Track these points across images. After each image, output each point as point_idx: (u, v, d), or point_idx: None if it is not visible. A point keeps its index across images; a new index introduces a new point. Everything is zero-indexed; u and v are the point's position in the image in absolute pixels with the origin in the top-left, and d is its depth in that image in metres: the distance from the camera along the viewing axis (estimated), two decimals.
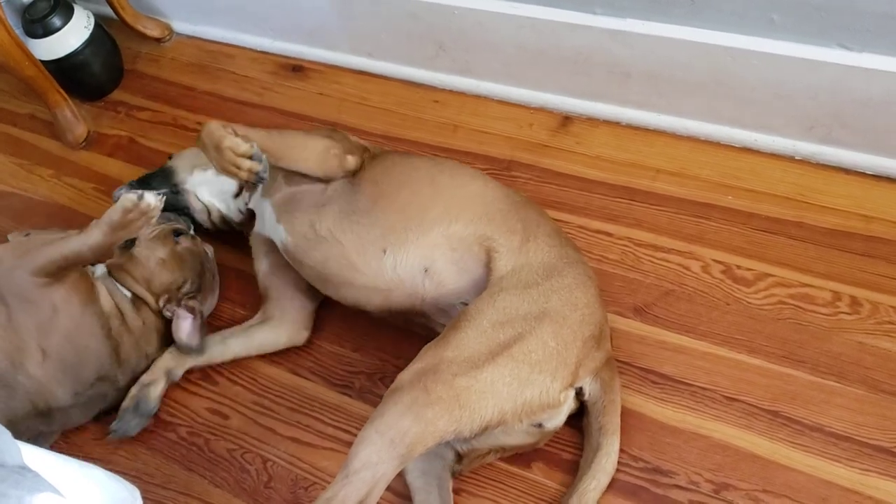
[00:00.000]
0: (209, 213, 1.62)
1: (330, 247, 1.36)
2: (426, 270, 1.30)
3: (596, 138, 1.66)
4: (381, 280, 1.32)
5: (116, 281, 1.50)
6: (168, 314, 1.50)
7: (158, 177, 1.62)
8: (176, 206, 1.60)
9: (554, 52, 1.60)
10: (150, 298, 1.50)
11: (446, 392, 1.10)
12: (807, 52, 1.35)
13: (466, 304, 1.26)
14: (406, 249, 1.30)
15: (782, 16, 1.33)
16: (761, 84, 1.43)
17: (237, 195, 1.59)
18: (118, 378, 1.46)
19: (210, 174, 1.58)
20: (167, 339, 1.52)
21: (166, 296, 1.51)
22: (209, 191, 1.60)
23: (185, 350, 1.49)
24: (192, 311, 1.51)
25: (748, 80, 1.44)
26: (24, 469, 0.75)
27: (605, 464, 1.24)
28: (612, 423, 1.25)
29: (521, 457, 1.32)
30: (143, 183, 1.60)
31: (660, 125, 1.62)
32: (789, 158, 1.52)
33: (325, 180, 1.40)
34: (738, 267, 1.43)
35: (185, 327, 1.49)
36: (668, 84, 1.53)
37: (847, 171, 1.48)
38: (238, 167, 1.32)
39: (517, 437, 1.25)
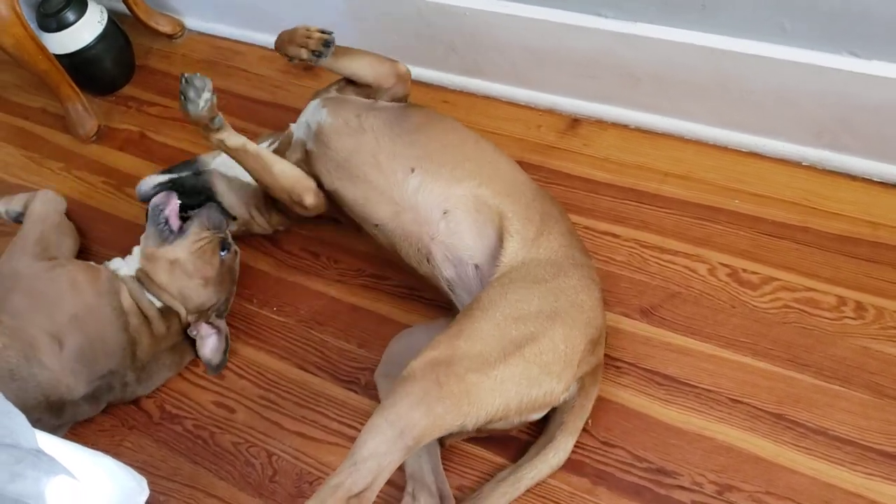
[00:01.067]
0: (234, 191, 1.61)
1: (366, 139, 1.39)
2: (445, 213, 1.32)
3: (604, 140, 1.67)
4: (397, 193, 1.34)
5: (147, 289, 1.49)
6: (193, 333, 1.52)
7: (181, 166, 1.63)
8: (199, 188, 1.60)
9: (563, 54, 1.61)
10: (182, 312, 1.50)
11: (458, 387, 1.11)
12: (816, 58, 1.36)
13: (478, 268, 1.29)
14: (434, 181, 1.33)
15: (793, 22, 1.34)
16: (770, 89, 1.44)
17: None
18: (127, 374, 1.47)
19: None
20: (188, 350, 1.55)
21: (196, 314, 1.51)
22: (230, 167, 1.58)
23: (209, 369, 1.52)
24: (217, 329, 1.53)
25: (757, 85, 1.45)
26: (39, 452, 0.76)
27: (551, 457, 1.26)
28: (575, 424, 1.27)
29: None
30: (166, 171, 1.63)
31: (667, 129, 1.63)
32: (796, 164, 1.53)
33: (374, 92, 1.50)
34: (744, 270, 1.44)
35: (209, 344, 1.52)
36: (676, 88, 1.54)
37: (854, 177, 1.49)
38: (308, 37, 1.47)
39: (499, 424, 1.26)
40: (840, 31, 1.32)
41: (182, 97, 1.34)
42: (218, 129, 1.39)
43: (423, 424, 1.09)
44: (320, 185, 1.46)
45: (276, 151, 1.52)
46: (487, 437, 1.33)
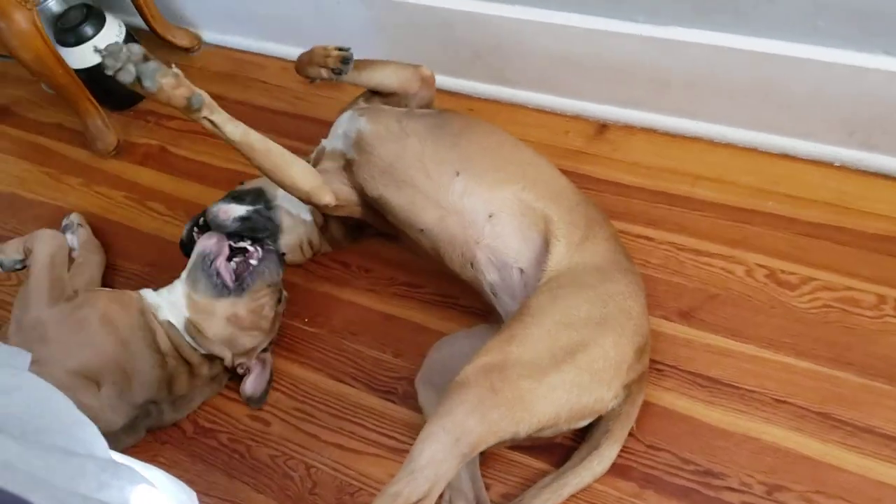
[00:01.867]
0: (299, 235, 1.59)
1: (410, 144, 1.38)
2: (490, 216, 1.31)
3: (633, 145, 1.67)
4: (442, 198, 1.33)
5: (193, 338, 1.44)
6: (241, 371, 1.48)
7: (251, 194, 1.56)
8: (266, 226, 1.54)
9: (592, 60, 1.62)
10: (228, 357, 1.45)
11: (512, 393, 1.11)
12: (850, 58, 1.36)
13: (523, 272, 1.28)
14: (478, 185, 1.32)
15: (827, 22, 1.34)
16: (803, 90, 1.45)
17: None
18: (164, 405, 1.46)
19: None
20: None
21: (244, 357, 1.48)
22: (296, 204, 1.54)
23: (251, 402, 1.50)
24: (262, 363, 1.50)
25: (789, 86, 1.45)
26: (116, 462, 0.75)
27: (595, 465, 1.24)
28: (621, 431, 1.26)
29: None
30: (237, 198, 1.55)
31: (698, 132, 1.63)
32: (829, 164, 1.53)
33: (401, 99, 1.50)
34: (782, 271, 1.43)
35: (251, 379, 1.49)
36: (707, 91, 1.54)
37: (888, 176, 1.49)
38: (327, 56, 1.48)
39: (545, 432, 1.24)
40: (874, 30, 1.32)
41: (120, 75, 1.21)
42: (199, 109, 1.27)
43: (478, 431, 1.08)
44: (363, 193, 1.44)
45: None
46: (530, 445, 1.32)
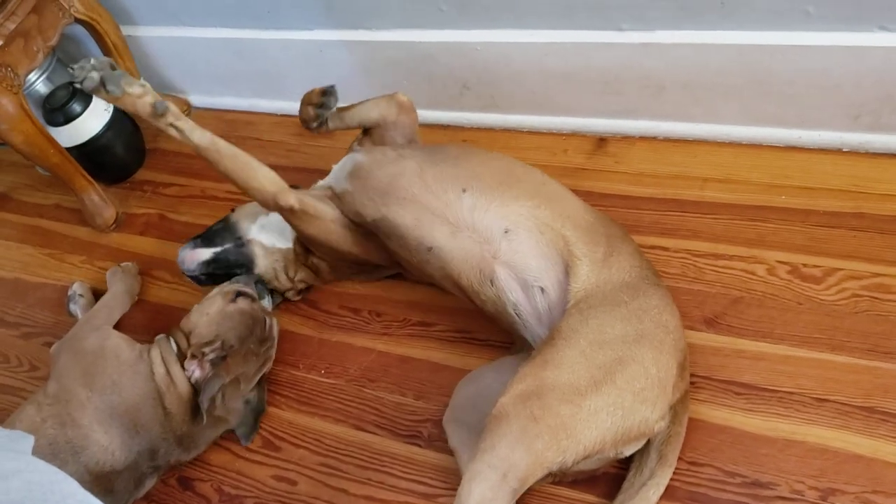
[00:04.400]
0: (274, 262, 1.60)
1: (408, 164, 1.36)
2: (506, 231, 1.26)
3: (635, 155, 1.64)
4: (451, 213, 1.29)
5: (173, 338, 1.48)
6: (187, 371, 1.44)
7: (222, 232, 1.61)
8: (241, 260, 1.58)
9: (582, 74, 1.59)
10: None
11: (553, 420, 1.06)
12: (846, 39, 1.33)
13: (544, 290, 1.24)
14: (489, 200, 1.28)
15: (817, 6, 1.31)
16: (801, 79, 1.41)
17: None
18: (169, 442, 1.43)
19: (273, 217, 1.56)
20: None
21: (191, 352, 1.45)
22: (271, 235, 1.58)
23: (242, 439, 1.48)
24: (202, 367, 1.44)
25: (787, 76, 1.42)
26: None
27: (651, 494, 1.18)
28: (672, 454, 1.20)
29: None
30: (207, 239, 1.60)
31: (699, 134, 1.60)
32: (837, 151, 1.50)
33: (385, 130, 1.51)
34: (805, 265, 1.39)
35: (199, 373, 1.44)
36: (704, 91, 1.51)
37: None
38: (311, 93, 1.51)
39: (590, 462, 1.19)
40: (867, 6, 1.29)
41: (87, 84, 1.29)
42: (163, 115, 1.34)
43: (525, 463, 1.04)
44: (362, 219, 1.41)
45: None
46: (573, 480, 1.26)
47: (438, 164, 1.35)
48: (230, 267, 1.58)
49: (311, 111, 1.51)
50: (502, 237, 1.26)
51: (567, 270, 1.24)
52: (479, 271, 1.28)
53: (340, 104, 1.54)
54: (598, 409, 1.08)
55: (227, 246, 1.58)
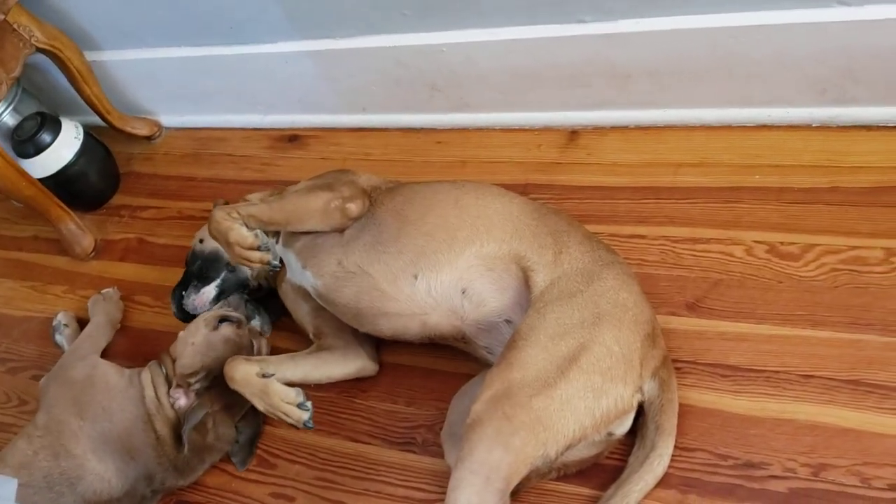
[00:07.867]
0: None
1: (360, 280, 1.35)
2: (464, 292, 1.29)
3: (607, 146, 1.64)
4: (415, 305, 1.31)
5: (163, 364, 1.49)
6: (171, 399, 1.45)
7: (208, 264, 1.60)
8: (240, 281, 1.60)
9: (549, 69, 1.59)
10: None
11: (527, 415, 1.07)
12: (806, 15, 1.34)
13: (510, 322, 1.26)
14: (438, 272, 1.29)
15: None
16: (765, 58, 1.42)
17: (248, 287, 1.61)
18: (165, 468, 1.43)
19: None
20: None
21: (176, 381, 1.46)
22: None
23: (238, 464, 1.48)
24: (188, 396, 1.45)
25: (751, 56, 1.43)
26: None
27: (655, 465, 1.19)
28: (670, 422, 1.21)
29: None
30: (202, 278, 1.59)
31: (669, 120, 1.60)
32: (807, 127, 1.50)
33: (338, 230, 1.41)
34: (782, 243, 1.39)
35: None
36: (670, 77, 1.52)
37: (869, 127, 1.46)
38: (249, 259, 1.41)
39: (583, 449, 1.20)
40: None
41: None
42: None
43: (506, 463, 1.05)
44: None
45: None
46: (575, 473, 1.27)
47: (382, 258, 1.34)
48: (235, 291, 1.59)
49: (254, 256, 1.42)
50: (462, 299, 1.29)
51: (526, 282, 1.26)
52: (452, 337, 1.34)
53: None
54: (569, 397, 1.10)
55: (222, 274, 1.59)
